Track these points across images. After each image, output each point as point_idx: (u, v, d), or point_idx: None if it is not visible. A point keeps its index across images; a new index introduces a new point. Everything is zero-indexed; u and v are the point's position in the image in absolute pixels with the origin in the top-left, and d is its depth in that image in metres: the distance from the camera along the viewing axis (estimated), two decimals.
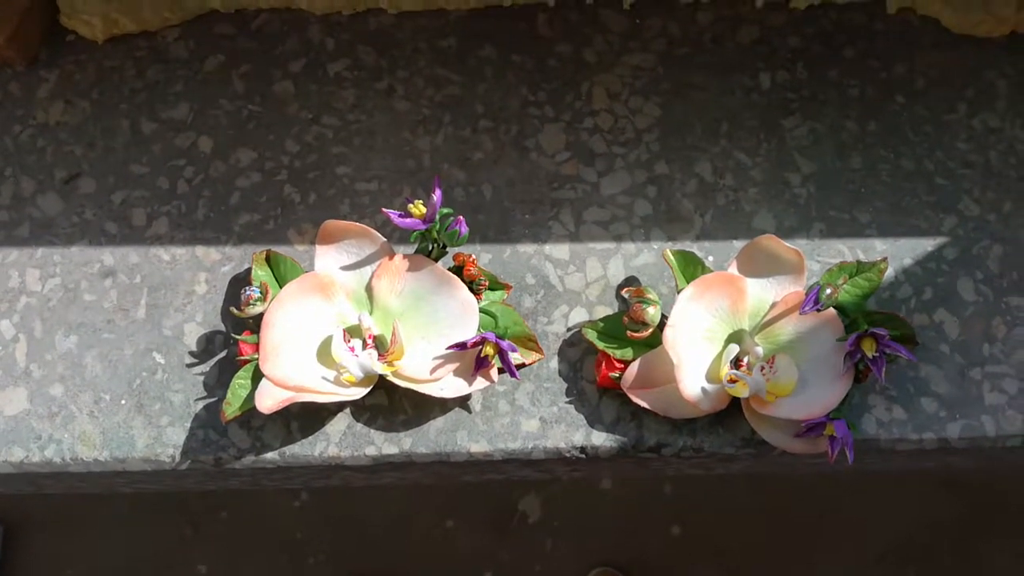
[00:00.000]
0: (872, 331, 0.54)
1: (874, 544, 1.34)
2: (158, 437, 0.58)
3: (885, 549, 1.34)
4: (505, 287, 0.60)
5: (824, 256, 0.62)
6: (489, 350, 0.55)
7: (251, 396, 0.55)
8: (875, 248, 0.62)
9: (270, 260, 0.59)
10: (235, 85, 0.66)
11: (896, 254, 0.62)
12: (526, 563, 1.36)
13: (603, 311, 0.61)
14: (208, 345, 0.60)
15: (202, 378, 0.59)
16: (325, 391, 0.54)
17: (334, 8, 0.67)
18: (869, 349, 0.54)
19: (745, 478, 1.35)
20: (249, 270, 0.60)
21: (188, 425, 0.58)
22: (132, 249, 0.62)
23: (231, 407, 0.55)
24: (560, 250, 0.62)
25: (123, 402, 0.58)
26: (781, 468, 0.67)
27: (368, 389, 0.56)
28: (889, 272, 0.61)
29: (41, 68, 0.67)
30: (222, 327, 0.60)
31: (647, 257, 0.62)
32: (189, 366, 0.59)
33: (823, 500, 1.36)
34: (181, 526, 1.38)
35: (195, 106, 0.65)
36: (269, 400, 0.53)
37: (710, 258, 0.62)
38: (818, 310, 0.54)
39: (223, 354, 0.59)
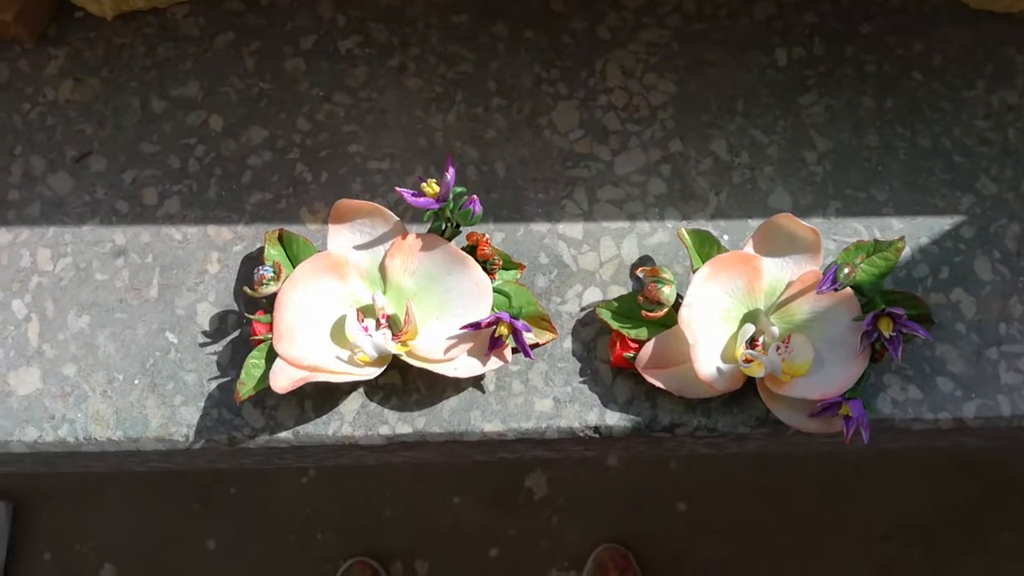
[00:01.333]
0: (889, 310, 0.53)
1: (880, 522, 1.35)
2: (172, 416, 0.58)
3: (891, 527, 1.34)
4: (519, 267, 0.59)
5: (840, 235, 0.61)
6: (503, 330, 0.55)
7: (265, 376, 0.54)
8: (892, 227, 0.62)
9: (283, 239, 0.58)
10: (246, 62, 0.65)
11: (913, 233, 0.61)
12: (532, 540, 1.37)
13: (617, 291, 0.60)
14: (221, 324, 0.59)
15: (215, 358, 0.59)
16: (339, 371, 0.54)
17: None
18: (886, 329, 0.54)
19: (752, 455, 1.35)
20: (261, 249, 0.60)
21: (202, 405, 0.58)
22: (144, 228, 0.62)
23: (245, 387, 0.55)
24: (574, 229, 0.62)
25: (136, 382, 0.58)
26: (794, 447, 0.67)
27: (382, 369, 0.55)
28: (906, 251, 0.61)
29: (50, 45, 0.66)
30: (235, 307, 0.60)
31: (662, 236, 0.62)
32: (202, 346, 0.59)
33: (829, 478, 1.36)
34: (190, 502, 1.39)
35: (205, 84, 0.65)
36: (283, 380, 0.53)
37: (725, 237, 0.61)
38: (835, 290, 0.54)
39: (236, 334, 0.59)
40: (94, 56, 0.66)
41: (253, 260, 0.60)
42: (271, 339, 0.55)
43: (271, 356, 0.55)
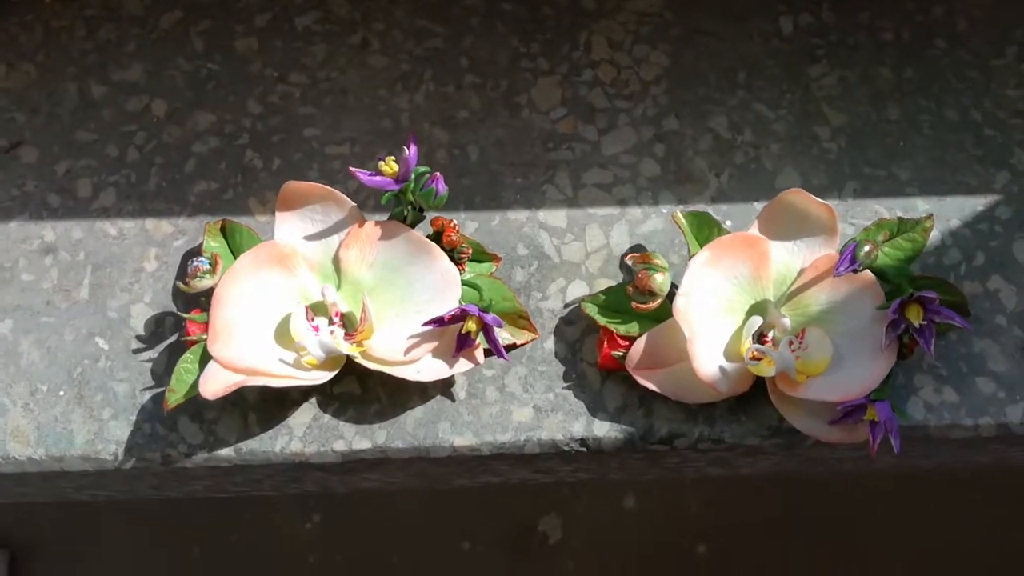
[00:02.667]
0: (919, 295, 0.46)
1: (913, 561, 1.25)
2: (99, 432, 0.51)
3: (923, 565, 1.25)
4: (493, 258, 0.52)
5: (859, 218, 0.54)
6: (471, 326, 0.47)
7: (198, 382, 0.47)
8: (917, 208, 0.54)
9: (225, 230, 0.52)
10: (194, 43, 0.60)
11: (942, 214, 0.54)
12: None
13: (605, 284, 0.53)
14: (157, 328, 0.53)
15: (150, 365, 0.52)
16: (281, 374, 0.47)
17: None
18: (915, 317, 0.46)
19: (775, 493, 1.27)
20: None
21: (133, 418, 0.51)
22: (76, 223, 0.55)
23: (175, 394, 0.48)
24: (556, 217, 0.55)
25: (61, 393, 0.52)
26: (813, 465, 0.59)
27: (333, 373, 0.48)
28: (934, 235, 0.53)
29: None
30: (173, 308, 0.53)
31: (655, 223, 0.54)
32: (136, 352, 0.52)
33: (859, 516, 1.27)
34: (189, 548, 1.32)
35: (149, 67, 0.59)
36: (215, 384, 0.46)
37: (728, 222, 0.54)
38: (855, 271, 0.47)
39: (173, 338, 0.52)
40: (30, 40, 0.60)
41: (194, 255, 0.54)
42: (206, 340, 0.48)
43: (206, 359, 0.48)
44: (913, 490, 1.27)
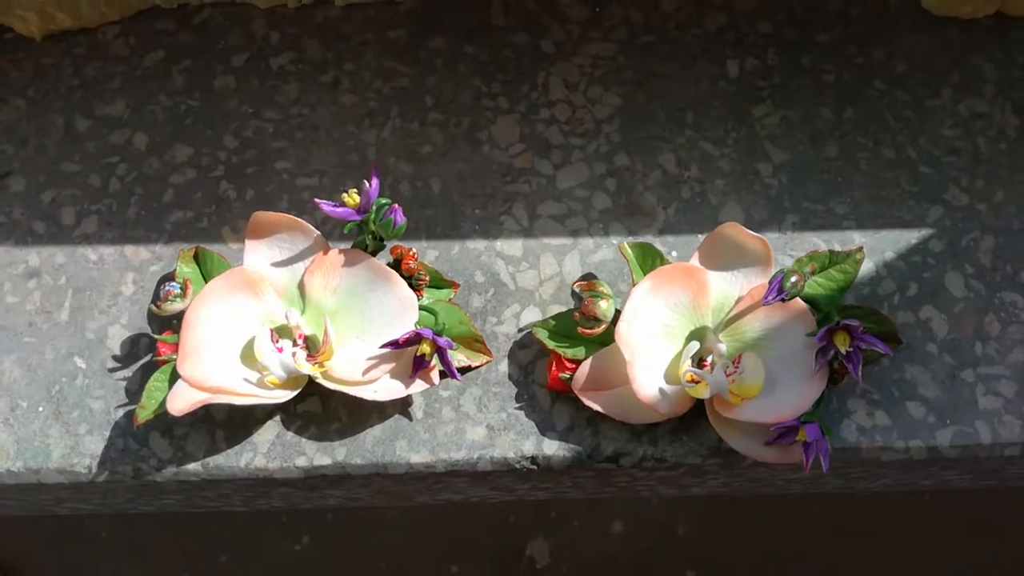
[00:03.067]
0: (844, 323, 0.49)
1: None
2: (75, 446, 0.54)
3: None
4: (452, 285, 0.55)
5: (797, 250, 0.57)
6: (426, 348, 0.50)
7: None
8: (853, 241, 0.57)
9: (198, 257, 0.55)
10: (175, 80, 0.63)
11: (877, 247, 0.57)
12: None
13: (558, 310, 0.56)
14: (132, 349, 0.56)
15: (124, 384, 0.55)
16: (245, 393, 0.50)
17: (280, 1, 0.65)
18: (842, 344, 0.49)
19: (762, 520, 1.28)
20: None
21: (107, 434, 0.54)
22: (59, 249, 0.59)
23: (145, 411, 0.51)
24: (512, 246, 0.58)
25: (40, 409, 0.54)
26: (758, 485, 0.61)
27: (294, 392, 0.51)
28: (870, 266, 0.56)
29: None
30: (148, 330, 0.56)
31: (606, 253, 0.58)
32: (111, 371, 0.55)
33: (843, 545, 1.28)
34: (179, 571, 1.34)
35: (132, 102, 0.62)
36: (181, 401, 0.49)
37: (674, 253, 0.57)
38: (783, 300, 0.49)
39: (147, 358, 0.55)
40: (21, 76, 0.64)
41: (167, 280, 0.57)
42: (176, 359, 0.51)
43: (176, 378, 0.51)
44: (907, 525, 1.29)
